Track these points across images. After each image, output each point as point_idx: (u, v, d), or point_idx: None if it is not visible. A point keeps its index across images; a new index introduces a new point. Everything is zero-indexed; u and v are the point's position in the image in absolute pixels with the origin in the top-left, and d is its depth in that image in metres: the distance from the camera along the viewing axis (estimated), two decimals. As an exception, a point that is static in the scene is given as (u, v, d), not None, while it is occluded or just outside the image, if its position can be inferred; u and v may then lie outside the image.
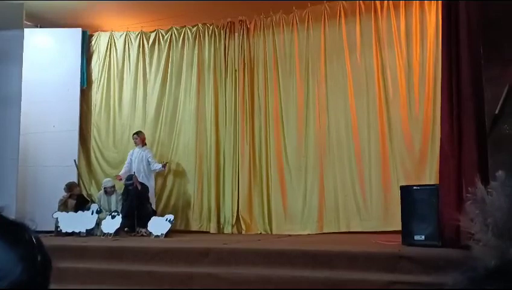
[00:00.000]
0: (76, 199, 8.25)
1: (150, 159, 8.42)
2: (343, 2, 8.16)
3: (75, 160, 8.73)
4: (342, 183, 7.89)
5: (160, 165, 8.43)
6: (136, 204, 7.74)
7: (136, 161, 8.45)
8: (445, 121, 5.31)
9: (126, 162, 8.58)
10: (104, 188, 8.29)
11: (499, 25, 4.83)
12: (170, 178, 8.98)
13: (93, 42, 9.59)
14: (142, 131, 8.74)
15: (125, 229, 7.69)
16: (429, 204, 5.39)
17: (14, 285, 0.86)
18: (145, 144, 8.61)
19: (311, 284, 4.68)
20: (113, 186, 8.29)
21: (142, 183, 8.11)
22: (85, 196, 8.61)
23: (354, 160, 7.87)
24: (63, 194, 8.23)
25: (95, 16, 8.99)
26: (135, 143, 8.58)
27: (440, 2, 6.22)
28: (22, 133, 7.99)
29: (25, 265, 0.88)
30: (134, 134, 8.66)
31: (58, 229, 7.66)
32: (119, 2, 8.38)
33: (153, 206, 8.25)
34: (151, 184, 8.39)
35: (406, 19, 7.77)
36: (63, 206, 8.09)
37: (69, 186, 8.28)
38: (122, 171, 8.49)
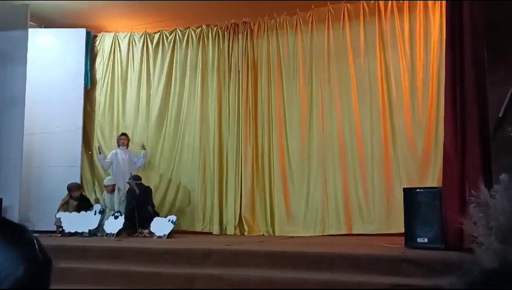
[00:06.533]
0: (79, 201, 8.22)
1: (135, 159, 8.59)
2: (347, 4, 8.16)
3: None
4: (344, 185, 7.89)
5: (142, 155, 8.61)
6: (136, 206, 7.74)
7: (125, 163, 8.47)
8: (449, 124, 5.29)
9: (109, 160, 8.56)
10: (105, 186, 8.29)
11: (503, 29, 4.82)
12: (174, 179, 8.99)
13: (97, 43, 9.61)
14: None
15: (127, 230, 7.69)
16: (432, 207, 5.37)
17: (17, 284, 0.87)
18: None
19: (314, 286, 4.67)
20: (113, 185, 8.26)
21: (143, 186, 8.12)
22: (90, 199, 8.56)
23: (357, 162, 7.86)
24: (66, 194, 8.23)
25: (99, 16, 9.00)
26: (123, 144, 8.62)
27: (444, 3, 6.20)
28: (26, 133, 8.01)
29: (27, 265, 0.89)
30: (123, 134, 8.73)
31: (61, 229, 7.67)
32: (123, 2, 8.39)
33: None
34: None
35: (410, 22, 7.76)
36: (65, 207, 8.06)
37: (69, 189, 8.21)
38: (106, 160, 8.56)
